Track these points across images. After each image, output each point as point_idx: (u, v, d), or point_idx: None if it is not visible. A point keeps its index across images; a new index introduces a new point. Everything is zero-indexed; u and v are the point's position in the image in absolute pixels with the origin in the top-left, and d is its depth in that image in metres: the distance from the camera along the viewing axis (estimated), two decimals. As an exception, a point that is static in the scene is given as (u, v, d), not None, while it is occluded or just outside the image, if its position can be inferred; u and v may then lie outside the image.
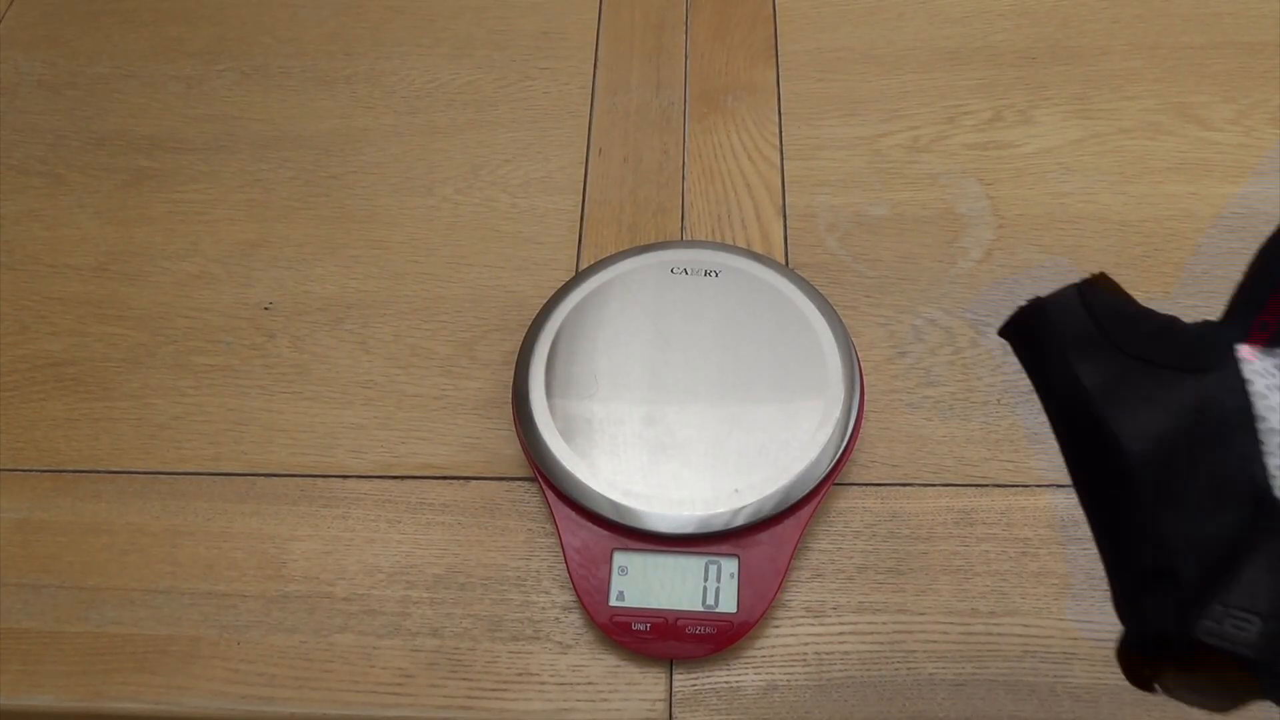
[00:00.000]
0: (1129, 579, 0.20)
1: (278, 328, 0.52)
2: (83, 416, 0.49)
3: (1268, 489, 0.19)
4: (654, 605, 0.41)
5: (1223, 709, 0.20)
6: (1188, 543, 0.19)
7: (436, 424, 0.48)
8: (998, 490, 0.45)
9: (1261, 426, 0.19)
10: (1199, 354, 0.21)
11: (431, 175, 0.58)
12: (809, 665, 0.41)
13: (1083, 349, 0.21)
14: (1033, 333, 0.22)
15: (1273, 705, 0.19)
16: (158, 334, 0.52)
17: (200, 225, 0.56)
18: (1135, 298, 0.24)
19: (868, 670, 0.41)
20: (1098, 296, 0.21)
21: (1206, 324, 0.22)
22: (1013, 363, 0.48)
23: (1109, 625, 0.41)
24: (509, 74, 0.62)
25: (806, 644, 0.41)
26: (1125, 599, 0.21)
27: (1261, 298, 0.21)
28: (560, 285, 0.49)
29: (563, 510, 0.43)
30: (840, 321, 0.47)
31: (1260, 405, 0.19)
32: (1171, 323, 0.22)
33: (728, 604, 0.40)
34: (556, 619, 0.42)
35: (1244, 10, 0.62)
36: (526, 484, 0.46)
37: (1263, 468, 0.19)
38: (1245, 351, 0.20)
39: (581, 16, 0.65)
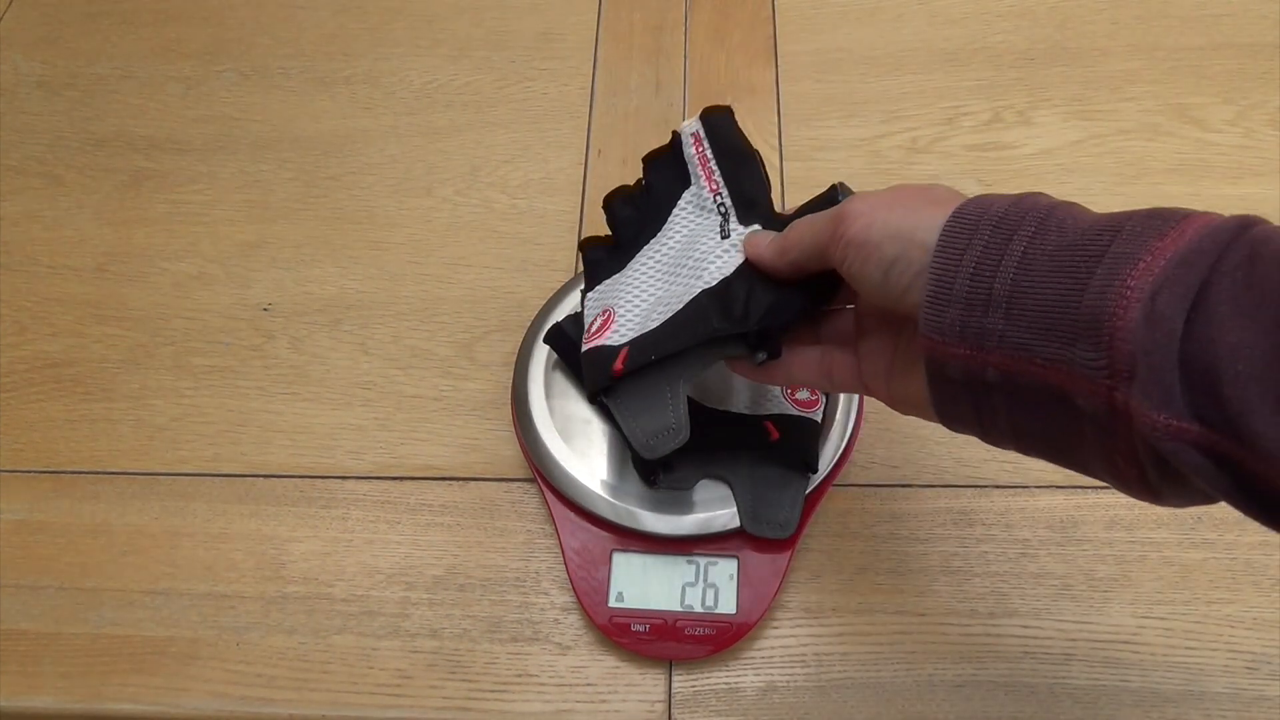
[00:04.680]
0: (633, 452, 0.38)
1: (276, 329, 0.52)
2: (82, 417, 0.49)
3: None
4: (653, 606, 0.41)
5: (685, 486, 0.41)
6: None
7: (436, 425, 0.48)
8: (996, 491, 0.45)
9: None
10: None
11: (430, 176, 0.58)
12: (808, 666, 0.41)
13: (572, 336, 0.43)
14: (559, 339, 0.44)
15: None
16: (156, 335, 0.52)
17: (199, 226, 0.56)
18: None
19: (867, 671, 0.41)
20: (570, 324, 0.44)
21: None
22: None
23: (1108, 626, 0.41)
24: (508, 75, 0.62)
25: (806, 645, 0.41)
26: (637, 460, 0.41)
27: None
28: (560, 286, 0.49)
29: (562, 511, 0.43)
30: (839, 322, 0.47)
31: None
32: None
33: (727, 605, 0.40)
34: (556, 620, 0.42)
35: (1243, 12, 0.62)
36: (526, 485, 0.46)
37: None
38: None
39: (581, 17, 0.65)
